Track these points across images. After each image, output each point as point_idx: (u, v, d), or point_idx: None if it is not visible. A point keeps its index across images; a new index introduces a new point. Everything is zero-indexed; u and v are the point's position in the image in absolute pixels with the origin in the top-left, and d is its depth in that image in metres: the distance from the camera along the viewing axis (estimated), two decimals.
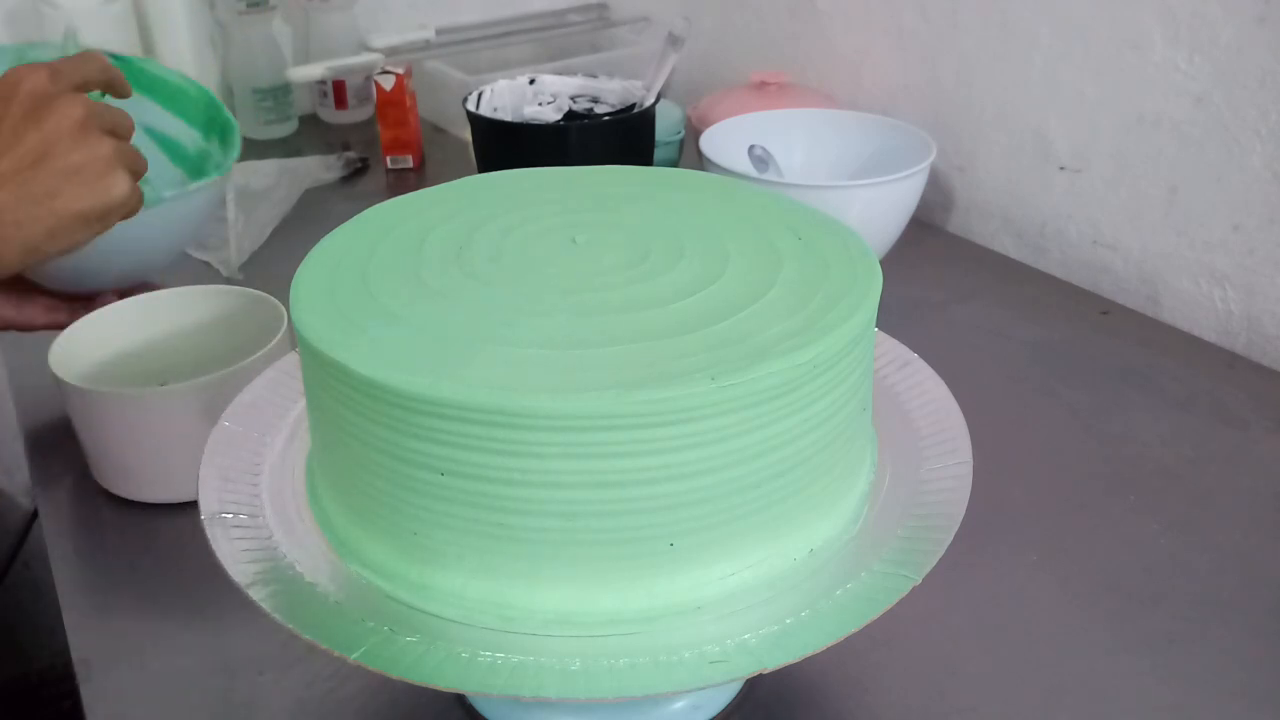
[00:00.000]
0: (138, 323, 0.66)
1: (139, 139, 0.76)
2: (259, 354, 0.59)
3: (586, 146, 0.83)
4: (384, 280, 0.41)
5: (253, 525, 0.42)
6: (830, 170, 0.90)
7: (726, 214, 0.47)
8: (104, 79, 0.60)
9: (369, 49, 1.17)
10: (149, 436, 0.59)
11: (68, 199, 0.51)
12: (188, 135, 0.78)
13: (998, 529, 0.58)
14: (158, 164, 0.77)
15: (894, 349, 0.51)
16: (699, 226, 0.45)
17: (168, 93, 0.78)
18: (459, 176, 0.51)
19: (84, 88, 0.59)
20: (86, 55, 0.59)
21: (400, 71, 1.08)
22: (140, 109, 0.76)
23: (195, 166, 0.77)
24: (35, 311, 0.67)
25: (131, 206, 0.56)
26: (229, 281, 0.85)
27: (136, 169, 0.57)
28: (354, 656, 0.36)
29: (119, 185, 0.53)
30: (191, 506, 0.43)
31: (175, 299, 0.67)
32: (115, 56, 0.77)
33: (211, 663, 0.51)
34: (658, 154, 0.94)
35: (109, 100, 0.63)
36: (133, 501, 0.62)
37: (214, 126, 0.77)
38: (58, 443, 0.67)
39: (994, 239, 0.95)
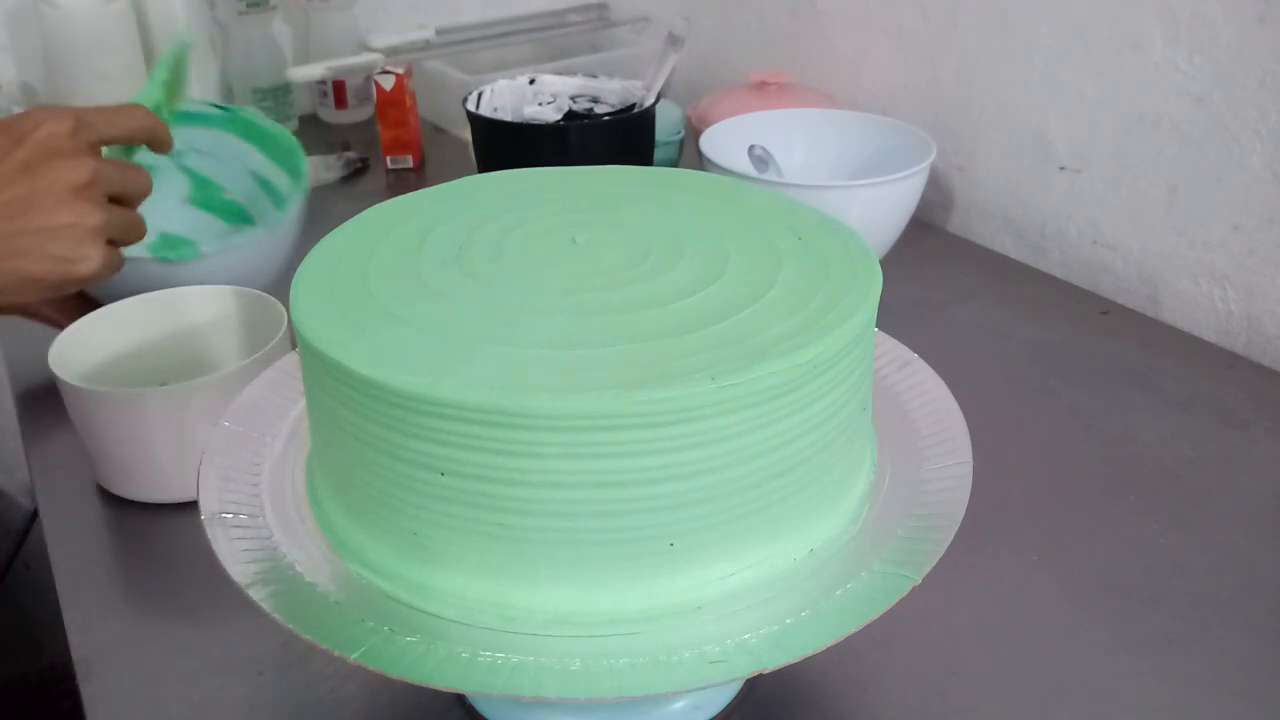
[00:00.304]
0: (138, 323, 0.66)
1: (246, 183, 0.80)
2: (259, 354, 0.59)
3: (586, 146, 0.83)
4: (384, 280, 0.41)
5: (253, 525, 0.42)
6: (830, 170, 0.90)
7: (726, 214, 0.47)
8: (145, 136, 0.58)
9: (369, 49, 1.17)
10: (149, 436, 0.59)
11: (30, 262, 0.49)
12: (280, 178, 0.82)
13: (998, 529, 0.58)
14: (264, 207, 0.83)
15: (894, 349, 0.51)
16: (699, 226, 0.45)
17: (265, 140, 0.83)
18: (459, 176, 0.51)
19: (113, 143, 0.57)
20: (127, 109, 0.58)
21: (400, 71, 1.08)
22: (245, 155, 0.82)
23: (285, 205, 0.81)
24: None
25: (102, 277, 0.54)
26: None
27: (126, 238, 0.56)
28: (354, 656, 0.36)
29: (89, 262, 0.51)
30: (191, 506, 0.43)
31: (175, 299, 0.67)
32: (222, 107, 0.82)
33: (211, 663, 0.51)
34: (658, 154, 0.94)
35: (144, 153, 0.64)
36: (133, 501, 0.62)
37: (296, 170, 0.80)
38: (58, 443, 0.67)
39: (994, 239, 0.95)
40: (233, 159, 0.83)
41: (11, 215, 0.48)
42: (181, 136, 0.80)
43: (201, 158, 0.83)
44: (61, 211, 0.49)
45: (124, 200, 0.57)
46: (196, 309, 0.67)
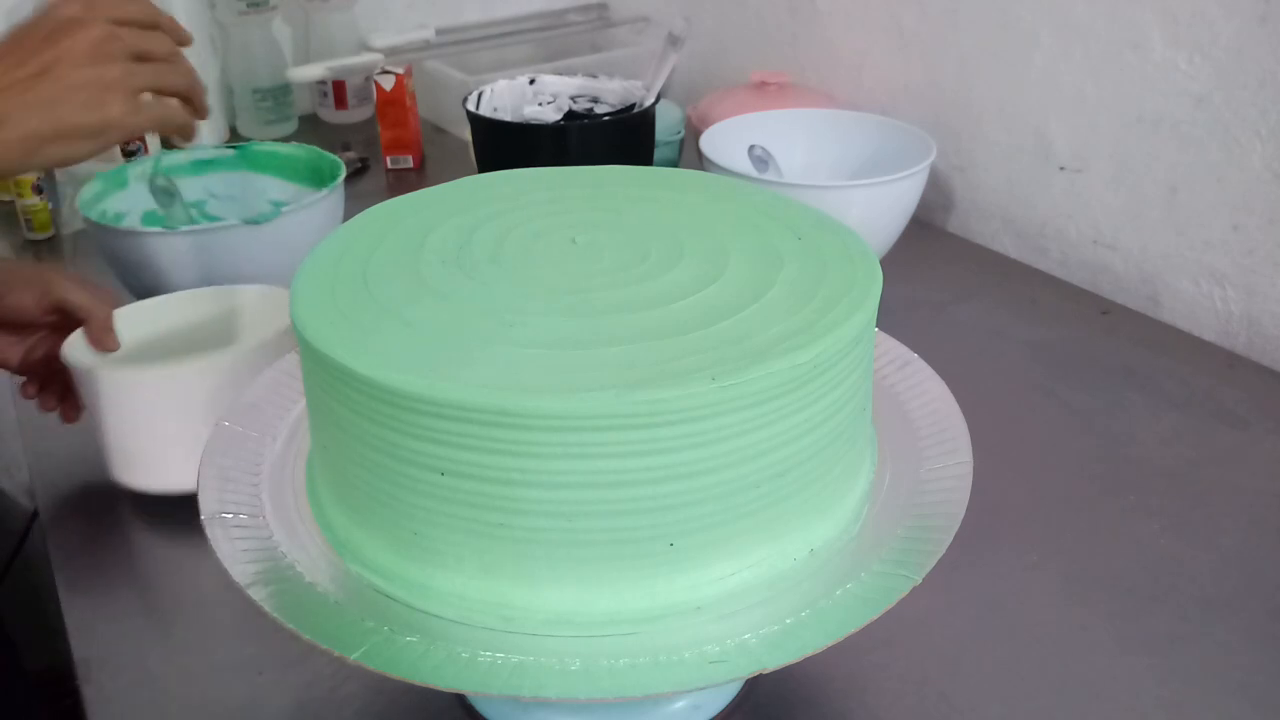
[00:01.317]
0: (140, 323, 0.66)
1: (268, 212, 0.80)
2: (267, 337, 0.59)
3: (586, 146, 0.83)
4: (384, 280, 0.41)
5: (253, 525, 0.42)
6: (830, 170, 0.90)
7: (726, 214, 0.47)
8: (146, 19, 0.61)
9: (369, 49, 1.17)
10: (160, 418, 0.58)
11: (66, 111, 0.54)
12: (307, 193, 0.82)
13: (998, 529, 0.58)
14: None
15: (894, 349, 0.51)
16: (699, 226, 0.45)
17: (283, 164, 0.84)
18: (459, 176, 0.51)
19: (122, 24, 0.59)
20: None
21: (400, 71, 1.08)
22: (265, 186, 0.84)
23: None
24: None
25: (132, 126, 0.57)
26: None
27: (165, 83, 0.58)
28: (354, 656, 0.36)
29: (113, 107, 0.55)
30: (192, 505, 0.43)
31: (178, 299, 0.67)
32: (234, 146, 0.84)
33: (211, 663, 0.51)
34: (658, 154, 0.94)
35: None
36: (133, 501, 0.62)
37: (321, 177, 0.81)
38: (58, 443, 0.67)
39: (994, 239, 0.95)
40: (254, 194, 0.84)
41: (39, 73, 0.53)
42: (200, 185, 0.82)
43: (222, 203, 0.83)
44: (83, 67, 0.54)
45: (151, 59, 0.59)
46: (199, 309, 0.67)
